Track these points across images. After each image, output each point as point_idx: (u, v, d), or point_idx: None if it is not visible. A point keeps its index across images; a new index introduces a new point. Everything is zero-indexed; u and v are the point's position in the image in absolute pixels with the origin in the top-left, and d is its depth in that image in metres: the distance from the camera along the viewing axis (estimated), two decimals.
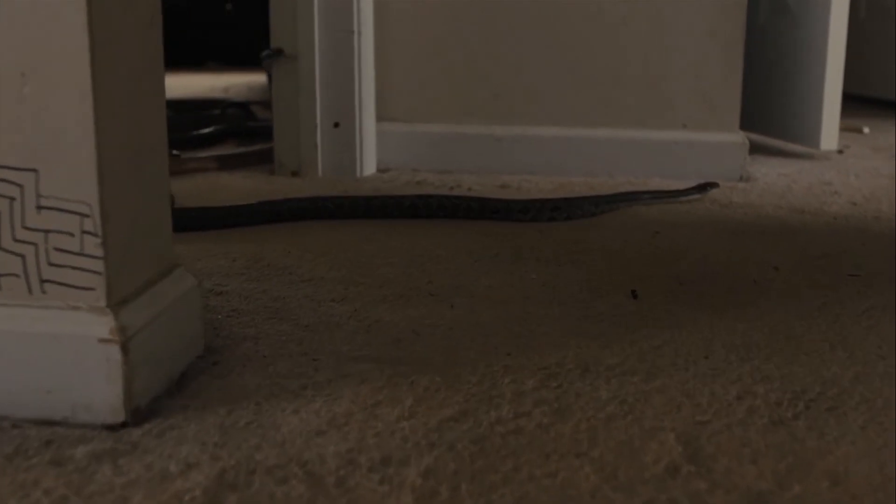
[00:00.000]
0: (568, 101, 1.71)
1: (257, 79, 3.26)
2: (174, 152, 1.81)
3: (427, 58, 1.72)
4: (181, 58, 3.85)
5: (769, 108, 2.05)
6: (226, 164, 1.73)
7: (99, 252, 0.69)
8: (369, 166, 1.69)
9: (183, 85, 3.31)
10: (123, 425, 0.69)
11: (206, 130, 1.97)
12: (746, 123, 1.78)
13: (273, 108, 1.67)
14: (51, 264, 0.70)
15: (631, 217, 1.40)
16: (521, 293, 1.02)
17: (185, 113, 2.26)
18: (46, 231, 0.69)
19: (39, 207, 0.69)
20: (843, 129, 2.01)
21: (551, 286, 1.04)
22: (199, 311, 0.83)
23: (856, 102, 2.73)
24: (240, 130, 2.04)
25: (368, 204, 1.36)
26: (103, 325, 0.69)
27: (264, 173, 1.69)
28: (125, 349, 0.69)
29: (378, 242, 1.23)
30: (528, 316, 0.95)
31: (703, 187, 1.54)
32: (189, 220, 1.28)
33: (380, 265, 1.12)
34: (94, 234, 0.69)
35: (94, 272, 0.69)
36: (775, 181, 1.69)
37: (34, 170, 0.68)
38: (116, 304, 0.71)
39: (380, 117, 1.71)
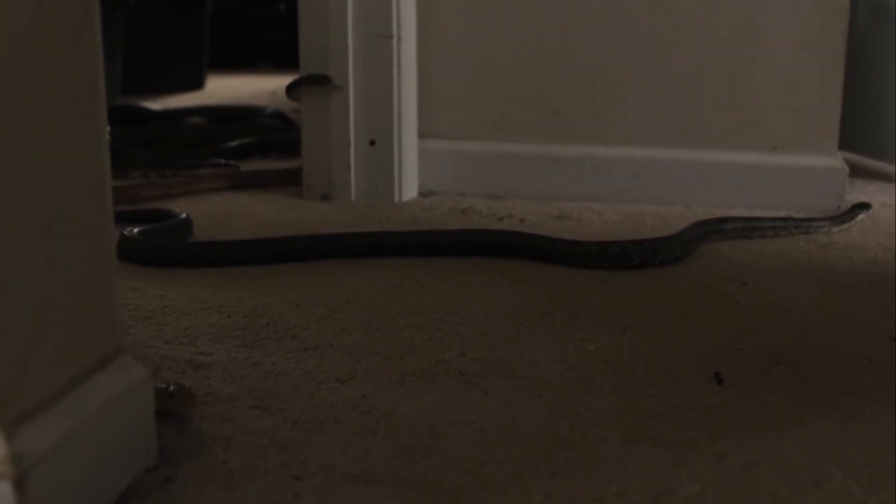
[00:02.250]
0: (638, 119, 1.49)
1: None
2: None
3: (477, 67, 1.52)
4: (234, 59, 3.71)
5: (867, 123, 1.80)
6: (242, 184, 1.54)
7: None
8: (409, 190, 1.49)
9: (229, 87, 3.16)
10: None
11: (234, 144, 1.79)
12: (840, 141, 1.54)
13: (302, 123, 1.48)
14: None
15: (712, 260, 1.18)
16: (574, 373, 0.81)
17: (216, 123, 2.10)
18: None
19: None
20: None
21: (612, 363, 0.84)
22: (149, 409, 0.64)
23: None
24: (271, 144, 1.86)
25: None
26: None
27: (290, 196, 1.49)
28: (20, 485, 0.51)
29: (407, 292, 1.03)
30: (582, 409, 0.74)
31: (854, 209, 1.37)
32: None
33: (403, 326, 0.92)
34: None
35: None
36: (879, 213, 1.45)
37: None
38: (13, 421, 0.52)
39: (422, 134, 1.51)
